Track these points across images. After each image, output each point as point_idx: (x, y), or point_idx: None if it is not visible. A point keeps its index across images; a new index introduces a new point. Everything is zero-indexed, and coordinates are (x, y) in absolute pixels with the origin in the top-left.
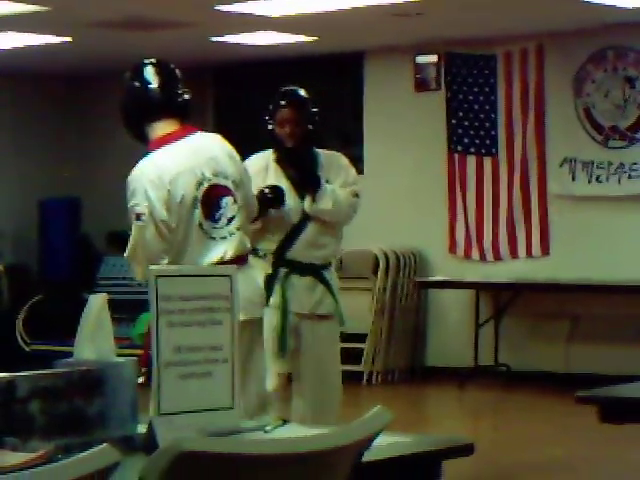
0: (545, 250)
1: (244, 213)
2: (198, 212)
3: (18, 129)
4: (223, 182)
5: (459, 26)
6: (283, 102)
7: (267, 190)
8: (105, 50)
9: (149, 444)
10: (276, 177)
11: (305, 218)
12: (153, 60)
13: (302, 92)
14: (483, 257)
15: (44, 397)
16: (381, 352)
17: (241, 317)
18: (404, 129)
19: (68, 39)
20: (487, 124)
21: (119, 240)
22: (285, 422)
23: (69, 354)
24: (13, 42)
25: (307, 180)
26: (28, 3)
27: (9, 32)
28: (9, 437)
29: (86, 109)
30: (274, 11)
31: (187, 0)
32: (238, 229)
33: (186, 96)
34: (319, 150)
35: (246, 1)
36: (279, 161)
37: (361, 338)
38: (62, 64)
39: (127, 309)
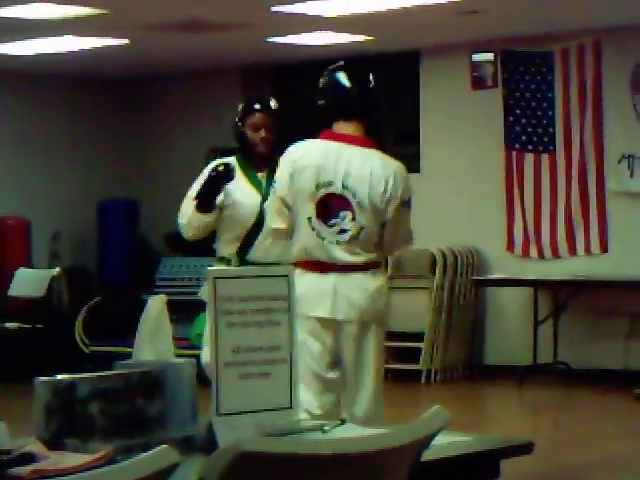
0: (604, 247)
1: (363, 235)
2: (311, 208)
3: (77, 132)
4: (347, 195)
5: (515, 23)
6: (258, 106)
7: (219, 166)
8: (163, 52)
9: (209, 444)
10: (237, 177)
11: (262, 219)
12: (342, 64)
13: (273, 101)
14: (541, 255)
15: (104, 398)
16: (439, 350)
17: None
18: (461, 127)
19: (126, 42)
20: (544, 121)
21: (177, 241)
22: (343, 422)
23: (128, 355)
24: (71, 45)
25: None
26: (86, 6)
27: (67, 36)
28: (70, 438)
29: (144, 112)
30: (329, 11)
31: (243, 1)
32: (348, 242)
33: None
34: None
35: (302, 1)
36: (243, 163)
37: (419, 337)
38: (120, 67)
39: (185, 310)
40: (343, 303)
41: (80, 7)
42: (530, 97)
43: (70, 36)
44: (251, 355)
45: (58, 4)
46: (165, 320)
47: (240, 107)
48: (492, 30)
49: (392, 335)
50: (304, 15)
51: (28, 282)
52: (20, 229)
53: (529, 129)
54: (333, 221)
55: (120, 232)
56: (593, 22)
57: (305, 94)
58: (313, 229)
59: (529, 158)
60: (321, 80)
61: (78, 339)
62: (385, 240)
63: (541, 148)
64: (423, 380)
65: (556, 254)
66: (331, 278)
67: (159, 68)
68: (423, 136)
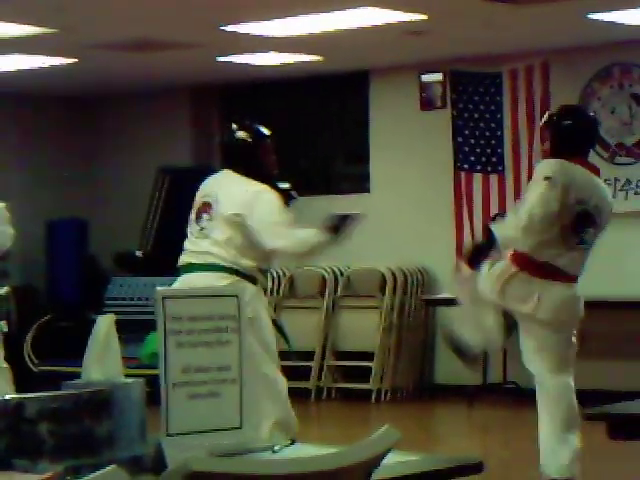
0: None
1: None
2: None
3: (25, 151)
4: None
5: (464, 44)
6: (268, 132)
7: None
8: (112, 71)
9: (158, 465)
10: None
11: None
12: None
13: None
14: None
15: (53, 418)
16: (389, 370)
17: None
18: (410, 147)
19: (75, 60)
20: (493, 142)
21: (126, 260)
22: (293, 442)
23: (77, 375)
24: (20, 64)
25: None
26: (34, 25)
27: (15, 54)
28: (19, 459)
29: (94, 131)
30: (279, 31)
31: (193, 21)
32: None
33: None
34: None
35: (252, 21)
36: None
37: (369, 356)
38: (70, 86)
39: (135, 329)
40: None
41: (29, 26)
42: (479, 118)
43: (19, 55)
44: (200, 375)
45: (6, 22)
46: (114, 340)
47: (241, 130)
48: (441, 51)
49: (342, 354)
50: (254, 35)
51: None
52: None
53: (478, 149)
54: None
55: (69, 251)
56: (541, 43)
57: (254, 114)
58: None
59: (478, 178)
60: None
61: (27, 358)
62: None
63: (489, 168)
64: (373, 399)
65: None
66: None
67: (109, 87)
68: (373, 156)
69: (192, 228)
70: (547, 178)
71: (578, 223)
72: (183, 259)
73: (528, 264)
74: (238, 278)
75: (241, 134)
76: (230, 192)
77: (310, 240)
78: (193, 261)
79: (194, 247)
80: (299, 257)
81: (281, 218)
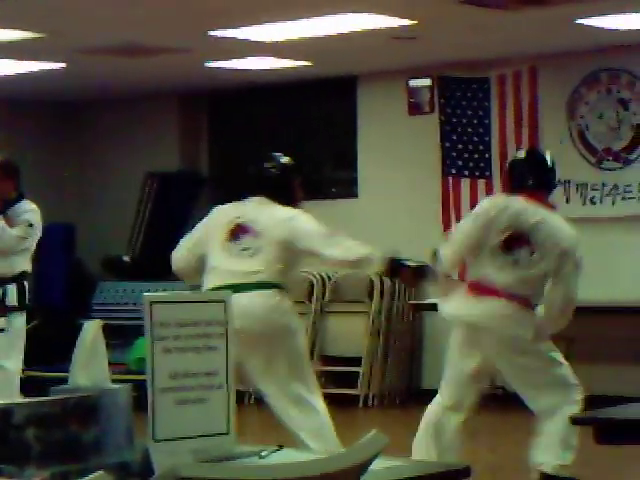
0: None
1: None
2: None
3: (12, 155)
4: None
5: (452, 49)
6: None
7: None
8: (100, 76)
9: (145, 471)
10: None
11: None
12: None
13: None
14: None
15: (40, 424)
16: (377, 375)
17: None
18: (398, 152)
19: (63, 65)
20: (480, 147)
21: (113, 265)
22: (281, 447)
23: (64, 380)
24: (7, 69)
25: None
26: (22, 30)
27: (3, 59)
28: (6, 465)
29: (81, 136)
30: (267, 36)
31: (181, 26)
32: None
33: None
34: None
35: (240, 27)
36: None
37: (357, 361)
38: (57, 90)
39: (122, 334)
40: None
41: (16, 31)
42: (467, 123)
43: (6, 59)
44: (188, 381)
45: None
46: (101, 345)
47: (281, 159)
48: (429, 56)
49: (330, 359)
50: (242, 40)
51: None
52: None
53: (465, 155)
54: None
55: (57, 256)
56: (529, 48)
57: (242, 119)
58: None
59: (465, 183)
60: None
61: None
62: None
63: (477, 173)
64: (361, 404)
65: None
66: None
67: (96, 92)
68: (361, 161)
69: (225, 248)
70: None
71: (508, 244)
72: (221, 279)
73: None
74: (284, 294)
75: (281, 164)
76: (274, 216)
77: (360, 251)
78: (238, 281)
79: (236, 267)
80: (351, 265)
81: (326, 230)
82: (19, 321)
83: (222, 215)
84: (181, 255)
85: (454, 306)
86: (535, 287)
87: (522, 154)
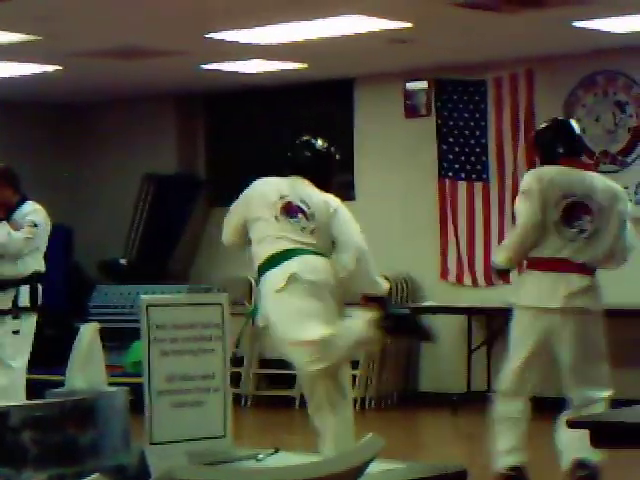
0: None
1: (597, 235)
2: (555, 213)
3: (9, 157)
4: (586, 202)
5: (448, 52)
6: None
7: None
8: (96, 78)
9: (141, 473)
10: None
11: None
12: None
13: None
14: (475, 282)
15: (37, 427)
16: (374, 378)
17: None
18: (394, 155)
19: (59, 68)
20: (477, 150)
21: (110, 268)
22: (277, 450)
23: (61, 383)
24: (4, 71)
25: None
26: (19, 32)
27: (0, 62)
28: (2, 468)
29: (78, 138)
30: (264, 39)
31: (178, 28)
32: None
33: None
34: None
35: (236, 29)
36: None
37: (354, 364)
38: (53, 93)
39: (119, 337)
40: None
41: (12, 33)
42: (463, 126)
43: (3, 62)
44: (184, 383)
45: None
46: (98, 348)
47: (332, 150)
48: (426, 59)
49: None
50: (238, 43)
51: None
52: None
53: (462, 158)
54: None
55: (53, 259)
56: (526, 51)
57: (239, 121)
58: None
59: (462, 186)
60: None
61: None
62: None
63: (474, 176)
64: (358, 407)
65: (489, 282)
66: None
67: (92, 94)
68: (357, 164)
69: (281, 221)
70: (523, 192)
71: (568, 215)
72: (283, 245)
73: (535, 264)
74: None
75: (327, 147)
76: (318, 200)
77: (373, 274)
78: (300, 247)
79: (297, 237)
80: (359, 264)
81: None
82: (29, 322)
83: (267, 188)
84: (231, 232)
85: (533, 296)
86: (596, 254)
87: (546, 124)
